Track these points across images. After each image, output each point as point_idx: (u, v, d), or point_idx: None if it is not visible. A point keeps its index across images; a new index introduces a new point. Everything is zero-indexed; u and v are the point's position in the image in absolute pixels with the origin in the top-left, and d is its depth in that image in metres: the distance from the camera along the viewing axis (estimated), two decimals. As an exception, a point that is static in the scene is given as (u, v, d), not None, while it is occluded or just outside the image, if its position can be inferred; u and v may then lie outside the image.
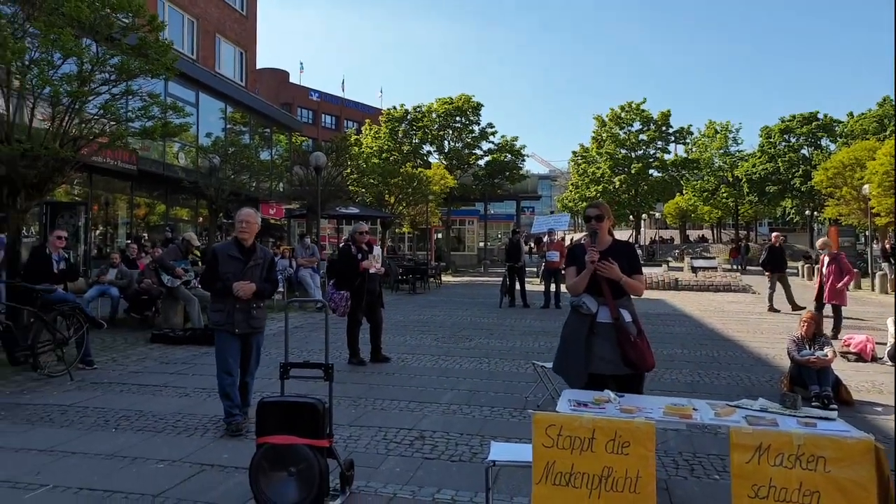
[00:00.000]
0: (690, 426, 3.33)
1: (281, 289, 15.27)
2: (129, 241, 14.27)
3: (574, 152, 52.25)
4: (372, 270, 8.29)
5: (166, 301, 10.70)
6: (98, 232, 20.89)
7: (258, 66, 50.05)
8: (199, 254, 12.76)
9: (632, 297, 4.31)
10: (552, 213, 55.91)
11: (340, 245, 14.23)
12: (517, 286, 16.13)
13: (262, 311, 5.69)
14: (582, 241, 4.45)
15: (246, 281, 5.43)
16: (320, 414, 3.99)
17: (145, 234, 21.47)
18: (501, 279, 16.71)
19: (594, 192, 46.30)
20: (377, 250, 8.53)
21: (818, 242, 12.51)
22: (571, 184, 53.79)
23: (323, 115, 58.14)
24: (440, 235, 40.62)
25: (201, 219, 24.66)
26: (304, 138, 34.73)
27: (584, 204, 50.13)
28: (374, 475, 4.58)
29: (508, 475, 4.43)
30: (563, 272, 4.58)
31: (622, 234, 52.79)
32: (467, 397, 6.81)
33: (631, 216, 51.27)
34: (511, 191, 44.02)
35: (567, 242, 21.17)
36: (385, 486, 4.39)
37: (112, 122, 9.51)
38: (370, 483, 4.42)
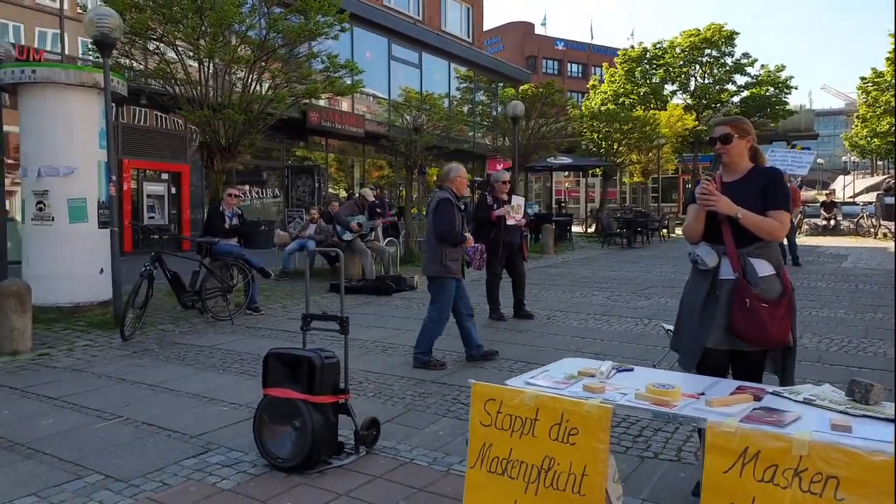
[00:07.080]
0: (658, 415, 2.54)
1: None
2: (332, 200, 15.35)
3: (863, 79, 44.43)
4: (510, 221, 7.84)
5: (345, 253, 11.32)
6: (332, 192, 22.81)
7: (502, 22, 50.10)
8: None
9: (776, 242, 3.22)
10: (804, 149, 48.39)
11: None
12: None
13: None
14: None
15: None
16: (317, 369, 3.82)
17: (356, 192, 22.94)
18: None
19: (886, 126, 39.27)
20: (518, 200, 8.03)
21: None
22: (857, 116, 46.06)
23: (569, 64, 56.89)
24: (690, 185, 37.75)
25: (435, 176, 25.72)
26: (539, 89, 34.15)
27: (877, 141, 42.75)
28: (413, 436, 4.31)
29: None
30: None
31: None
32: (585, 360, 6.15)
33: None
34: (777, 130, 39.09)
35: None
36: (411, 450, 4.10)
37: (283, 84, 10.14)
38: (399, 445, 4.16)
